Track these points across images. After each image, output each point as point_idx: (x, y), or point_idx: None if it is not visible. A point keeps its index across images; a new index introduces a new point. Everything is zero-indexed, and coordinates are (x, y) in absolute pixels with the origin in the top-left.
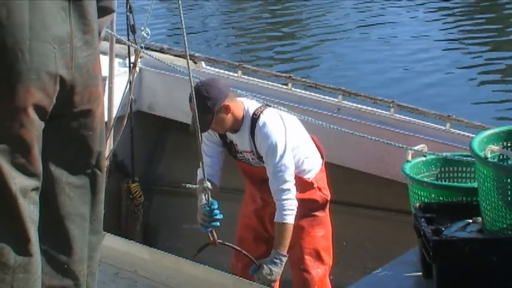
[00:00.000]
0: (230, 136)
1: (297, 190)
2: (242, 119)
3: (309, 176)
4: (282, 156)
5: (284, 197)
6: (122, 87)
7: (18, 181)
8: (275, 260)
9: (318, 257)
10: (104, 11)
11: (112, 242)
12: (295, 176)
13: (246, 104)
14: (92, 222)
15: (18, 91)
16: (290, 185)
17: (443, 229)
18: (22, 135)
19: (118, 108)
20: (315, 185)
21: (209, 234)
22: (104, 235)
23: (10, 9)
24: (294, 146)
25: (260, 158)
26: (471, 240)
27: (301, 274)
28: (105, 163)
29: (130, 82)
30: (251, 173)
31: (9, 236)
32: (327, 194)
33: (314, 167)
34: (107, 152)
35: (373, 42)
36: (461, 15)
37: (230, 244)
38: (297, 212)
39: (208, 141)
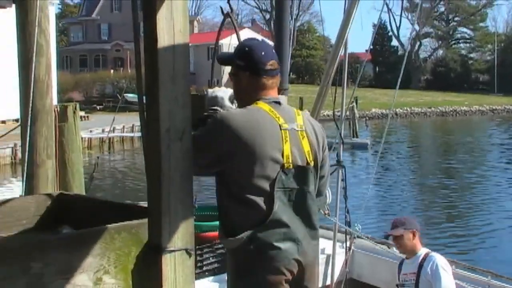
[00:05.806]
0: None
1: None
2: (418, 250)
3: None
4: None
5: None
6: (340, 261)
7: None
8: None
9: None
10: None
11: None
12: None
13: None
14: None
15: None
16: None
17: None
18: None
19: (338, 276)
20: None
21: None
22: None
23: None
24: None
25: (418, 278)
26: None
27: None
28: None
29: (346, 260)
30: None
31: None
32: None
33: None
34: None
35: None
36: None
37: None
38: None
39: None
